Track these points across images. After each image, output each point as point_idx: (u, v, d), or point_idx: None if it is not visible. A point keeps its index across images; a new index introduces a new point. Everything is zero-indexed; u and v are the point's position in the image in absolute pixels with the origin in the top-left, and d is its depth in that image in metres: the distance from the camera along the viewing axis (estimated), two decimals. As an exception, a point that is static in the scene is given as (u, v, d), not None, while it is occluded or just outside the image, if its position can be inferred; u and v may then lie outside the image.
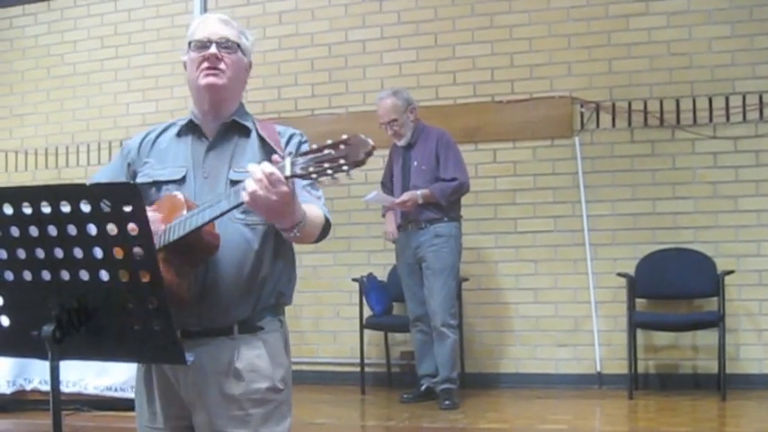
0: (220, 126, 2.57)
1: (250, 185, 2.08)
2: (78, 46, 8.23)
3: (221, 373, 2.44)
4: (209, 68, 2.51)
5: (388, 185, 6.39)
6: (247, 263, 2.43)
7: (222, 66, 2.51)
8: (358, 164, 2.00)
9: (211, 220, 2.24)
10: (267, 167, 2.08)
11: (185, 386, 2.46)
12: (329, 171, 2.00)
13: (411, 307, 6.22)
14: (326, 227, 2.47)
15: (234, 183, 2.38)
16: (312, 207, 2.37)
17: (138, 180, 2.53)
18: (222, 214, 2.23)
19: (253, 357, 2.46)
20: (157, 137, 2.65)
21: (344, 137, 2.01)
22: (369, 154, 2.00)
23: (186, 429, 2.52)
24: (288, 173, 2.04)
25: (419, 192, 5.94)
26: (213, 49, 2.50)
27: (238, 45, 2.54)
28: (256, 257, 2.44)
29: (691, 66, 6.59)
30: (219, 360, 2.44)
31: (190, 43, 2.55)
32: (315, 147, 2.02)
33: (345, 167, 1.99)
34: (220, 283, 2.40)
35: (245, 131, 2.57)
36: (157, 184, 2.50)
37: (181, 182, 2.50)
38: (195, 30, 2.57)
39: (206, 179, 2.50)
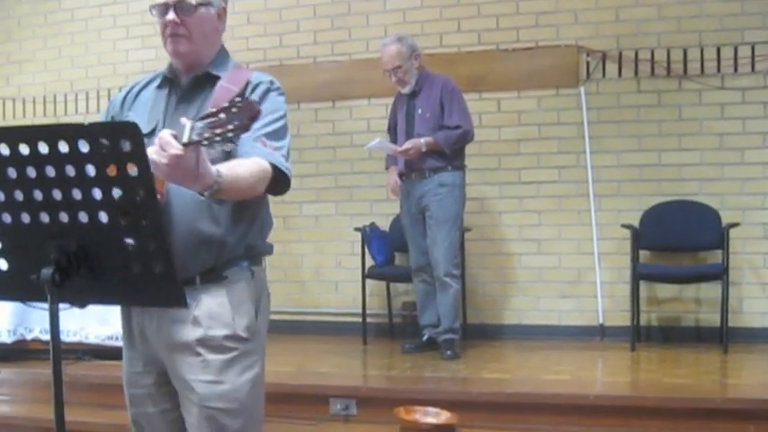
0: (191, 79, 2.57)
1: (149, 149, 2.02)
2: (76, -9, 8.12)
3: (181, 320, 2.45)
4: (171, 35, 2.50)
5: (392, 134, 6.32)
6: (202, 220, 2.41)
7: (183, 30, 2.50)
8: (243, 128, 1.99)
9: None
10: (162, 132, 2.05)
11: (151, 333, 2.50)
12: (219, 138, 1.98)
13: (413, 256, 6.19)
14: (280, 178, 2.44)
15: None
16: (245, 164, 2.32)
17: None
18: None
19: (213, 305, 2.46)
20: (141, 89, 2.67)
21: (237, 99, 2.00)
22: (253, 119, 1.99)
23: (163, 375, 2.55)
24: (185, 139, 2.00)
25: (422, 140, 5.87)
26: (171, 15, 2.49)
27: (199, 3, 2.51)
28: (210, 215, 2.43)
29: (700, 15, 6.48)
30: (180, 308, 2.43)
31: (151, 8, 2.53)
32: (211, 110, 2.00)
33: (231, 134, 1.98)
34: (175, 240, 2.34)
35: (215, 82, 2.55)
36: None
37: (149, 135, 2.44)
38: None
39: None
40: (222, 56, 2.62)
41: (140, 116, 2.54)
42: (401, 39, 6.05)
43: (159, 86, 2.62)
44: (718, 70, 6.44)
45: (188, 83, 2.57)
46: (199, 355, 2.44)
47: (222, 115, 1.97)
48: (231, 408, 2.46)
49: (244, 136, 2.34)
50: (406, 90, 6.07)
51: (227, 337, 2.46)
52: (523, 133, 6.83)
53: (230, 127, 1.96)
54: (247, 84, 2.51)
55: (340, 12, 7.32)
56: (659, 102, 6.57)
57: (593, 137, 6.64)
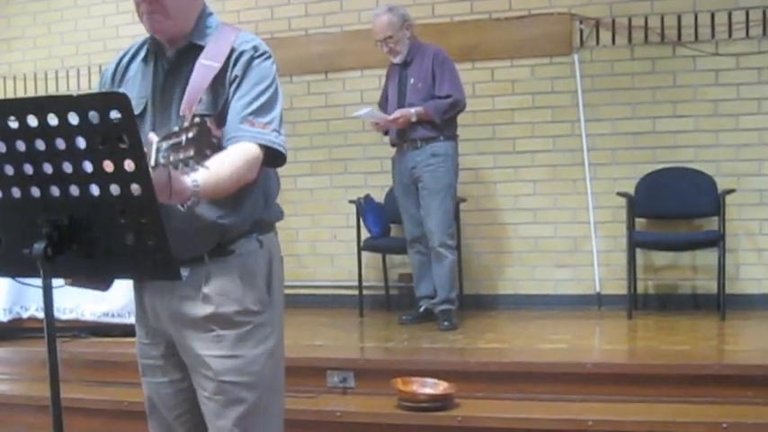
0: (175, 52, 2.47)
1: None
2: (66, -32, 8.05)
3: (191, 297, 2.43)
4: (145, 13, 2.39)
5: (383, 105, 6.28)
6: (201, 207, 2.31)
7: (157, 7, 2.37)
8: (203, 157, 1.90)
9: None
10: None
11: (161, 309, 2.48)
12: (182, 163, 1.89)
13: (408, 228, 6.17)
14: (274, 154, 2.39)
15: (182, 119, 2.30)
16: (228, 160, 2.23)
17: None
18: None
19: (222, 281, 2.43)
20: (130, 61, 2.58)
21: (194, 121, 1.90)
22: (213, 148, 1.93)
23: (171, 346, 2.54)
24: (152, 162, 1.91)
25: (413, 110, 5.84)
26: None
27: None
28: (209, 201, 2.33)
29: (693, -21, 6.45)
30: (189, 285, 2.42)
31: None
32: (173, 130, 1.91)
33: (192, 161, 1.89)
34: (175, 225, 2.26)
35: (200, 53, 2.43)
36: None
37: (140, 117, 2.41)
38: None
39: (164, 111, 2.43)
40: (203, 20, 2.50)
41: (129, 91, 2.44)
42: (392, 9, 6.01)
43: (145, 60, 2.53)
44: (713, 36, 6.41)
45: (172, 56, 2.47)
46: (211, 330, 2.43)
47: (183, 137, 1.88)
48: (248, 381, 2.44)
49: (230, 117, 2.34)
50: (398, 60, 6.04)
51: (237, 313, 2.43)
52: (517, 102, 6.80)
53: (191, 153, 1.88)
54: (231, 54, 2.41)
55: (331, -17, 7.26)
56: (653, 69, 6.54)
57: (588, 105, 6.61)
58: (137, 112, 2.37)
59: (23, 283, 5.46)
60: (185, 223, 2.29)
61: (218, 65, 2.38)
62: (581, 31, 6.66)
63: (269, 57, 2.47)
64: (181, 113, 2.30)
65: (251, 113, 2.35)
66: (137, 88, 2.49)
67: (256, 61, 2.42)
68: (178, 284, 2.38)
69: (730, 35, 6.37)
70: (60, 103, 1.91)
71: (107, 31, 7.84)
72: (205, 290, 2.42)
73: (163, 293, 2.46)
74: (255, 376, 2.46)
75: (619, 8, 6.58)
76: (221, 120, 2.35)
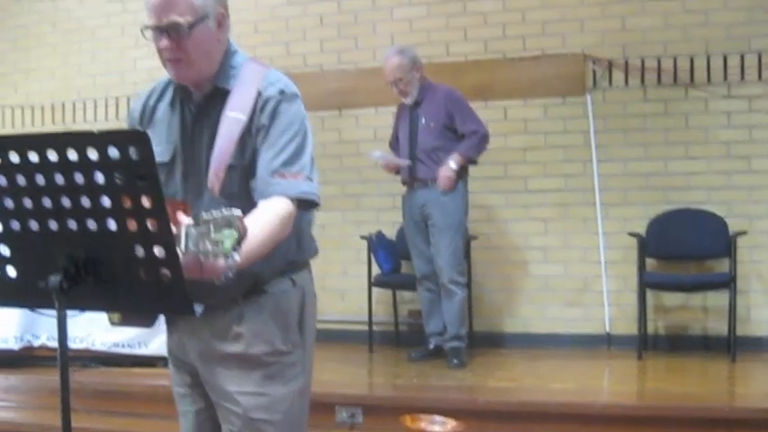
0: (201, 97, 2.43)
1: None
2: (84, 0, 8.14)
3: (221, 335, 2.42)
4: (168, 60, 2.36)
5: (394, 145, 6.33)
6: None
7: (180, 55, 2.33)
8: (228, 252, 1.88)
9: None
10: None
11: (191, 343, 2.48)
12: (211, 252, 1.88)
13: (417, 265, 6.19)
14: (304, 204, 2.35)
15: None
16: (260, 221, 2.18)
17: None
18: None
19: (255, 321, 2.42)
20: (157, 101, 2.53)
21: (224, 213, 1.87)
22: (240, 241, 1.88)
23: (196, 377, 2.54)
24: (182, 248, 1.92)
25: (451, 162, 5.86)
26: (165, 42, 2.33)
27: (191, 23, 2.30)
28: None
29: (706, 23, 6.48)
30: (222, 323, 2.42)
31: (142, 31, 2.38)
32: (203, 218, 1.89)
33: (222, 254, 1.88)
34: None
35: (227, 97, 2.38)
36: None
37: (170, 165, 2.41)
38: (146, 8, 2.36)
39: (193, 159, 2.40)
40: (228, 60, 2.44)
41: (159, 137, 2.44)
42: (402, 51, 6.07)
43: (171, 104, 2.48)
44: (725, 78, 6.44)
45: (199, 101, 2.43)
46: (240, 368, 2.42)
47: (212, 227, 1.87)
48: (276, 419, 2.44)
49: (259, 170, 2.30)
50: (408, 101, 6.09)
51: (267, 354, 2.43)
52: (530, 141, 6.83)
53: (217, 248, 1.87)
54: (257, 101, 2.35)
55: (347, 21, 7.33)
56: (666, 110, 6.57)
57: (600, 145, 6.64)
58: (167, 159, 2.40)
59: (37, 312, 5.55)
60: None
61: (244, 117, 2.33)
62: (594, 72, 6.71)
63: (296, 98, 2.42)
64: (209, 186, 2.27)
65: (281, 165, 2.30)
66: (164, 134, 2.46)
67: (283, 107, 2.37)
68: (210, 322, 2.39)
69: (743, 78, 6.40)
70: (80, 139, 1.93)
71: (124, 64, 7.92)
72: (237, 329, 2.41)
73: (194, 329, 2.45)
74: (283, 414, 2.46)
75: (632, 50, 6.63)
76: (250, 171, 2.33)
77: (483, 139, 5.98)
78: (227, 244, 1.87)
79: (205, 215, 1.89)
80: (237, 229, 1.88)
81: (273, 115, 2.35)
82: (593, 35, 6.72)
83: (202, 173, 2.33)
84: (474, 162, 6.04)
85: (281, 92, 2.38)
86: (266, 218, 2.22)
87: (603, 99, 6.69)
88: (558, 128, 6.78)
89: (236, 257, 1.93)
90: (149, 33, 2.36)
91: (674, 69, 6.53)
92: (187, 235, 1.91)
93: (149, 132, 2.38)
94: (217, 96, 2.40)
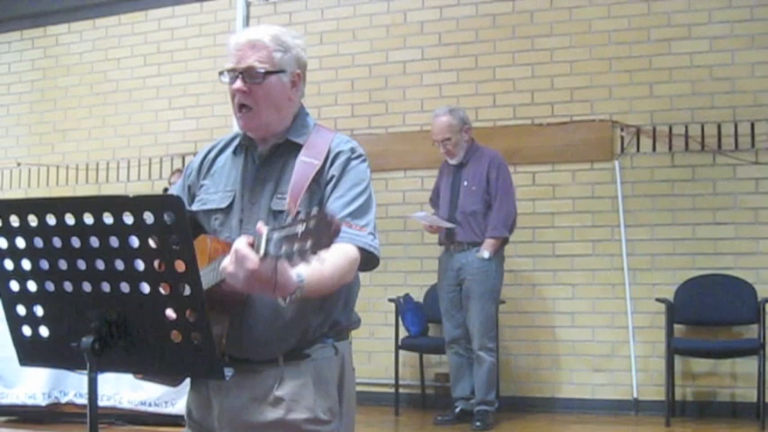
0: (271, 147, 2.44)
1: (225, 260, 1.99)
2: (121, 63, 8.34)
3: (260, 399, 2.35)
4: (239, 106, 2.39)
5: (435, 201, 6.36)
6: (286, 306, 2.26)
7: (251, 101, 2.37)
8: (323, 246, 1.82)
9: (209, 287, 2.12)
10: (237, 242, 1.96)
11: (222, 406, 2.39)
12: (296, 254, 1.82)
13: (447, 328, 6.19)
14: (369, 258, 2.35)
15: (275, 213, 2.32)
16: (331, 260, 2.13)
17: (194, 207, 2.47)
18: (216, 285, 2.12)
19: (296, 386, 2.34)
20: (218, 154, 2.56)
21: (313, 213, 1.82)
22: (333, 236, 1.82)
23: None
24: (262, 252, 1.88)
25: (486, 253, 5.91)
26: (239, 84, 2.37)
27: (268, 72, 2.37)
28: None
29: (733, 90, 6.53)
30: (261, 386, 2.35)
31: (220, 74, 2.42)
32: (288, 221, 1.86)
33: (310, 252, 1.81)
34: (258, 325, 2.29)
35: (297, 150, 2.40)
36: (207, 213, 2.43)
37: (227, 210, 2.41)
38: (227, 52, 2.42)
39: (252, 206, 2.40)
40: (301, 119, 2.48)
41: (216, 184, 2.47)
42: (453, 111, 6.11)
43: (235, 152, 2.51)
44: (752, 145, 6.47)
45: (266, 151, 2.44)
46: None
47: (299, 228, 1.82)
48: None
49: None
50: (454, 161, 6.13)
51: (307, 421, 2.33)
52: (558, 207, 6.86)
53: (308, 244, 1.80)
54: (328, 153, 2.38)
55: (377, 86, 7.45)
56: (693, 176, 6.59)
57: (628, 211, 6.66)
58: (225, 204, 2.41)
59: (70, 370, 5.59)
60: (267, 322, 2.28)
61: (318, 162, 2.35)
62: (622, 138, 6.75)
63: (365, 160, 2.44)
64: (286, 207, 2.27)
65: (348, 215, 2.31)
66: (224, 180, 2.47)
67: (353, 162, 2.39)
68: (246, 384, 2.33)
69: (770, 144, 6.43)
70: (116, 203, 1.97)
71: (159, 126, 8.08)
72: (277, 392, 2.33)
73: (230, 391, 2.36)
74: None
75: (659, 116, 6.68)
76: None
77: (507, 218, 6.01)
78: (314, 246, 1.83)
79: (289, 219, 1.87)
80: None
81: (345, 169, 2.38)
82: (621, 102, 6.78)
83: (260, 218, 2.31)
84: (506, 241, 6.05)
85: (353, 149, 2.42)
86: (335, 256, 2.18)
87: (631, 165, 6.73)
88: (585, 193, 6.81)
89: (305, 278, 1.95)
90: (225, 76, 2.41)
91: (701, 136, 6.57)
92: (268, 240, 1.87)
93: (208, 181, 2.50)
94: (286, 148, 2.43)
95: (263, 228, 1.90)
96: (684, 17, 6.67)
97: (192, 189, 2.56)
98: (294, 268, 2.00)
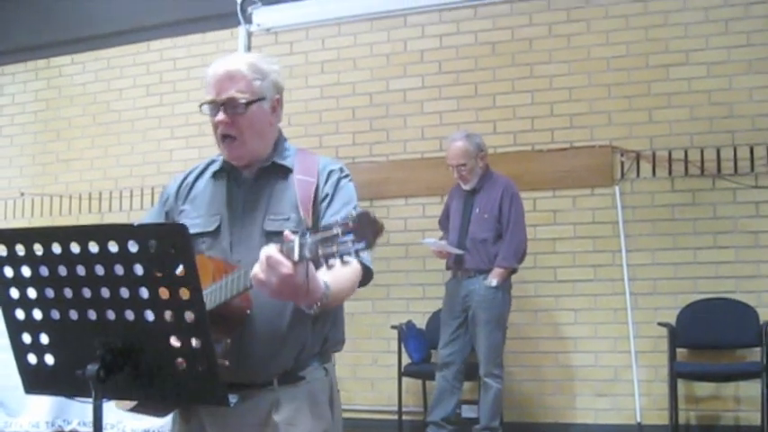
0: (257, 170, 2.49)
1: (255, 268, 2.01)
2: (124, 94, 8.39)
3: (258, 424, 2.37)
4: (222, 136, 2.43)
5: (444, 224, 6.37)
6: (284, 319, 2.34)
7: (234, 132, 2.41)
8: (368, 246, 1.85)
9: (225, 302, 2.17)
10: (267, 250, 1.97)
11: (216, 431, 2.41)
12: (337, 255, 1.86)
13: (443, 353, 6.17)
14: (367, 278, 2.40)
15: (269, 234, 2.34)
16: (346, 272, 2.21)
17: None
18: (233, 298, 2.16)
19: (292, 410, 2.37)
20: (195, 180, 2.59)
21: (354, 213, 1.86)
22: (377, 234, 1.86)
23: None
24: (296, 257, 1.91)
25: (494, 281, 5.93)
26: (221, 116, 2.41)
27: (250, 101, 2.41)
28: (294, 312, 2.33)
29: (731, 115, 6.57)
30: (257, 411, 2.37)
31: (201, 106, 2.46)
32: (324, 224, 1.89)
33: (352, 252, 1.84)
34: (257, 343, 2.32)
35: (283, 172, 2.46)
36: (193, 237, 2.36)
37: (215, 234, 2.43)
38: (206, 84, 2.45)
39: (242, 229, 2.42)
40: (281, 144, 2.53)
41: (198, 209, 2.50)
42: (469, 136, 6.12)
43: (215, 177, 2.54)
44: (752, 169, 6.49)
45: (252, 175, 2.48)
46: None
47: (337, 230, 1.85)
48: None
49: None
50: (467, 187, 6.14)
51: None
52: (559, 232, 6.88)
53: (350, 245, 1.84)
54: (319, 172, 2.44)
55: (378, 114, 7.49)
56: (693, 200, 6.62)
57: (629, 235, 6.68)
58: (211, 228, 2.44)
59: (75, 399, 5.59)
60: (266, 342, 2.31)
61: (314, 180, 2.40)
62: (622, 164, 6.78)
63: (352, 179, 2.51)
64: (302, 216, 2.30)
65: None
66: (206, 204, 2.50)
67: (343, 181, 2.46)
68: (242, 410, 2.35)
69: (770, 168, 6.46)
70: (121, 232, 2.00)
71: (161, 155, 8.11)
72: (275, 417, 2.36)
73: (227, 419, 2.38)
74: None
75: (659, 141, 6.71)
76: None
77: (518, 248, 6.04)
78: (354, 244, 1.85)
79: (324, 224, 1.89)
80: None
81: (337, 186, 2.44)
82: (621, 127, 6.81)
83: (254, 241, 2.35)
84: (515, 270, 6.07)
85: (341, 169, 2.50)
86: (347, 269, 2.21)
87: (632, 190, 6.76)
88: (586, 219, 6.83)
89: (330, 285, 2.00)
90: (206, 108, 2.45)
91: (701, 160, 6.60)
92: (302, 245, 1.90)
93: (188, 205, 2.53)
94: (273, 171, 2.47)
95: (290, 235, 1.94)
96: (682, 43, 6.72)
97: (170, 214, 2.59)
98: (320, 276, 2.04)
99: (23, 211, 8.64)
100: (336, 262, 1.86)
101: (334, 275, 2.07)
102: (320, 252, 1.86)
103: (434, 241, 6.24)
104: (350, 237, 1.84)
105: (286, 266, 1.94)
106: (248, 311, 2.29)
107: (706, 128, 6.61)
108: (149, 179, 8.11)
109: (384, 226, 1.88)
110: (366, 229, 1.85)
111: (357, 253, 1.85)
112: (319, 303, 2.10)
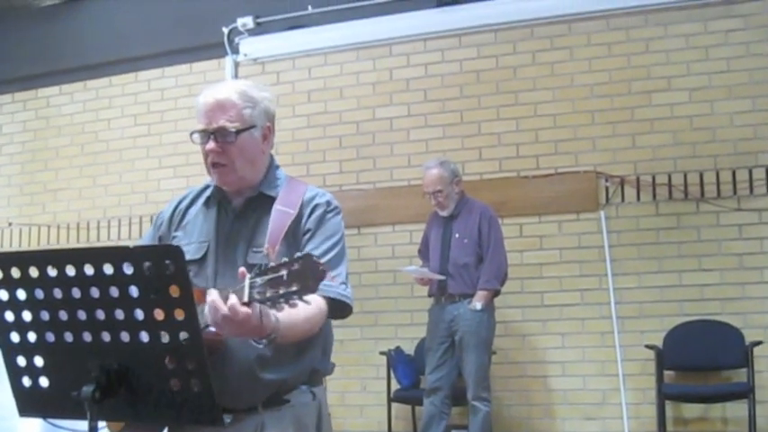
0: (245, 200, 2.50)
1: (205, 308, 2.06)
2: (112, 124, 8.42)
3: None
4: (213, 164, 2.44)
5: (424, 253, 6.41)
6: (264, 355, 2.32)
7: (225, 160, 2.42)
8: (308, 290, 1.91)
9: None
10: (211, 293, 2.05)
11: None
12: (281, 298, 1.92)
13: (430, 379, 6.18)
14: (340, 306, 2.40)
15: (251, 267, 2.27)
16: (303, 308, 2.15)
17: None
18: (203, 329, 2.14)
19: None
20: (188, 206, 2.60)
21: (298, 256, 1.92)
22: (319, 280, 1.91)
23: None
24: (246, 298, 1.97)
25: (478, 304, 5.96)
26: (212, 145, 2.41)
27: (240, 130, 2.41)
28: (274, 348, 2.29)
29: (714, 139, 6.65)
30: None
31: (191, 134, 2.46)
32: (272, 265, 1.94)
33: (295, 295, 1.91)
34: (235, 376, 2.31)
35: (270, 203, 2.46)
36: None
37: (201, 261, 2.44)
38: (196, 113, 2.45)
39: (226, 259, 2.43)
40: (272, 172, 2.54)
41: (189, 236, 2.51)
42: (443, 163, 6.19)
43: (206, 204, 2.55)
44: (734, 192, 6.56)
45: (240, 205, 2.50)
46: None
47: (283, 272, 1.90)
48: None
49: None
50: (445, 213, 6.19)
51: None
52: (545, 257, 6.93)
53: (294, 288, 1.90)
54: (302, 204, 2.45)
55: (365, 142, 7.54)
56: (678, 224, 6.68)
57: (614, 260, 6.73)
58: (199, 255, 2.45)
59: (58, 426, 5.57)
60: (243, 379, 2.30)
61: (293, 212, 2.41)
62: (606, 189, 6.85)
63: (339, 212, 2.52)
64: (265, 251, 2.32)
65: (326, 262, 2.30)
66: (197, 232, 2.51)
67: (329, 216, 2.47)
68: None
69: (751, 191, 6.53)
70: (117, 254, 2.00)
71: (149, 184, 8.14)
72: None
73: None
74: None
75: (643, 166, 6.78)
76: None
77: (499, 271, 6.08)
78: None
79: (271, 264, 1.94)
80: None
81: (320, 221, 2.45)
82: (605, 153, 6.89)
83: (237, 271, 2.29)
84: (498, 293, 6.12)
85: (328, 203, 2.50)
86: (307, 307, 2.19)
87: (616, 214, 6.82)
88: (572, 243, 6.88)
89: (280, 320, 2.01)
90: (197, 136, 2.45)
91: (684, 184, 6.67)
92: (252, 285, 1.95)
93: (180, 233, 2.54)
94: (260, 201, 2.48)
95: (245, 273, 1.98)
96: (663, 70, 6.81)
97: (162, 240, 2.60)
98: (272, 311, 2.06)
99: (11, 241, 8.63)
100: (284, 305, 1.92)
101: (288, 311, 2.05)
102: (267, 294, 1.93)
103: (415, 269, 6.28)
104: (294, 279, 1.90)
105: (223, 311, 2.00)
106: (223, 339, 2.28)
107: (689, 152, 6.69)
108: (137, 208, 8.13)
109: (326, 271, 1.93)
110: (307, 272, 1.90)
111: (300, 297, 1.90)
112: (268, 338, 2.12)
